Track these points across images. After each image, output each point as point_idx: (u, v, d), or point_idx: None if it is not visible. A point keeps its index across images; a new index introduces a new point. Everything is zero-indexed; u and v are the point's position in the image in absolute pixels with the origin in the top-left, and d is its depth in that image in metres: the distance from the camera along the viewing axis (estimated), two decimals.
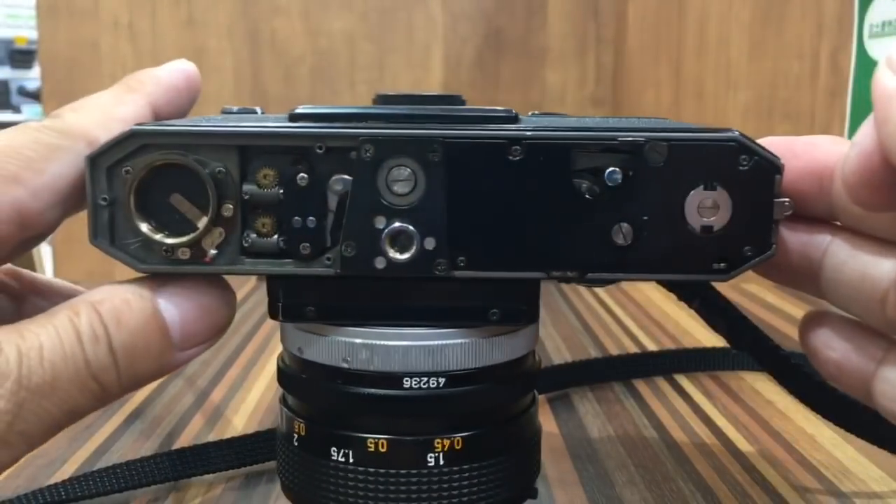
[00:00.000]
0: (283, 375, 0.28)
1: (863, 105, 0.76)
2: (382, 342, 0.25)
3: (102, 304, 0.23)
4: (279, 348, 0.29)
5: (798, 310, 0.71)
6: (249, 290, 0.79)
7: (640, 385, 0.54)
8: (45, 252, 1.33)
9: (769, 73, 0.81)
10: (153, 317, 0.23)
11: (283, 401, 0.29)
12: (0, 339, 0.21)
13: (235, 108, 0.32)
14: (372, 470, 0.25)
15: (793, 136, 0.19)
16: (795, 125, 0.80)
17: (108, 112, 0.25)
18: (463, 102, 0.29)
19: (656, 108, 1.01)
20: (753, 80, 0.83)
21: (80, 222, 0.24)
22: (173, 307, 0.24)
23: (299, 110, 0.25)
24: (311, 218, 0.25)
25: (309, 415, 0.27)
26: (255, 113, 0.32)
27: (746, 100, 0.84)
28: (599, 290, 0.78)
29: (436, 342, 0.25)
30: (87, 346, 0.21)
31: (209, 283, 0.25)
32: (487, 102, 1.17)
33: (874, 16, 0.74)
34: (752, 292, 0.78)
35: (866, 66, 0.74)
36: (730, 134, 0.24)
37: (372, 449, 0.25)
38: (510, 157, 0.24)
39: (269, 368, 0.57)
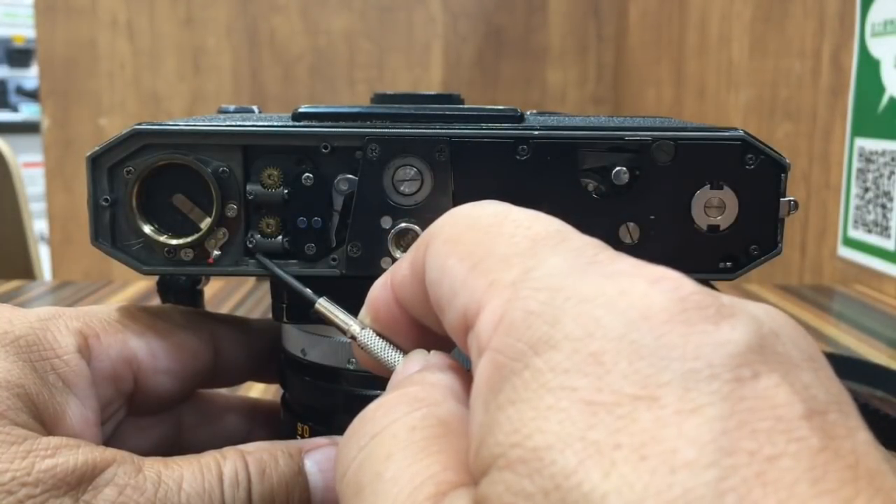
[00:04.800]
0: (286, 377, 0.28)
1: (865, 104, 0.76)
2: None
3: (250, 454, 0.23)
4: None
5: (799, 309, 0.71)
6: (249, 290, 0.78)
7: None
8: (43, 253, 1.33)
9: (770, 72, 0.81)
10: (297, 475, 0.24)
11: (285, 403, 0.28)
12: (145, 463, 0.22)
13: (232, 108, 0.32)
14: None
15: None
16: (797, 124, 0.80)
17: None
18: (461, 101, 0.29)
19: (657, 107, 1.00)
20: (755, 78, 0.83)
21: (77, 223, 0.24)
22: (319, 472, 0.24)
23: (302, 109, 0.25)
24: (316, 218, 0.25)
25: (312, 417, 0.27)
26: (253, 112, 0.31)
27: (748, 98, 0.84)
28: None
29: None
30: (226, 488, 0.22)
31: None
32: (487, 101, 1.17)
33: (876, 14, 0.74)
34: (753, 292, 0.78)
35: (868, 64, 0.74)
36: (736, 133, 0.24)
37: None
38: (517, 157, 0.24)
39: None
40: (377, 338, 0.20)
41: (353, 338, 0.20)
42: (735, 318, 0.14)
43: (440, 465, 0.15)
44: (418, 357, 0.19)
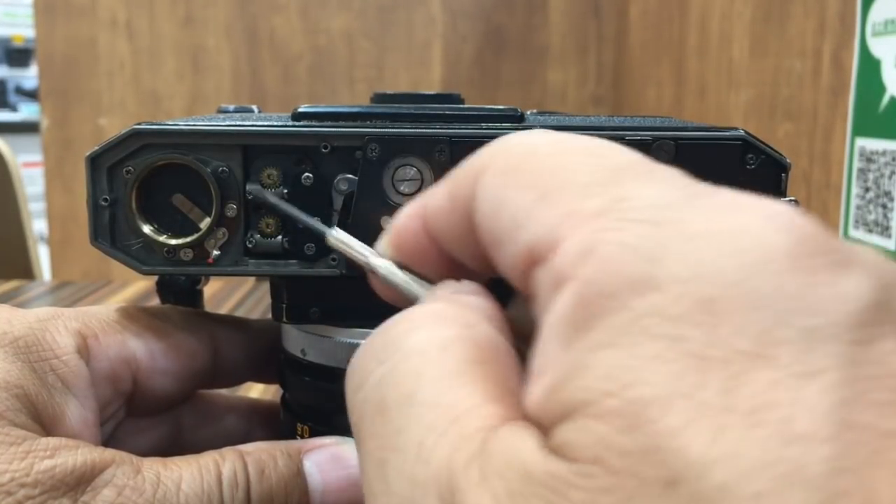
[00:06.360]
0: (286, 377, 0.28)
1: (865, 103, 0.76)
2: None
3: (250, 455, 0.23)
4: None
5: None
6: (249, 290, 0.78)
7: None
8: (42, 253, 1.33)
9: (771, 72, 0.81)
10: (297, 476, 0.24)
11: (284, 403, 0.28)
12: (144, 464, 0.22)
13: (232, 107, 0.32)
14: None
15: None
16: (797, 124, 0.80)
17: None
18: (461, 101, 0.29)
19: (657, 107, 1.00)
20: (755, 78, 0.83)
21: (77, 223, 0.23)
22: (318, 473, 0.24)
23: (302, 109, 0.25)
24: (315, 218, 0.24)
25: (312, 418, 0.27)
26: (252, 112, 0.31)
27: (748, 98, 0.84)
28: None
29: None
30: (225, 489, 0.22)
31: (357, 461, 0.25)
32: (488, 101, 1.17)
33: (876, 14, 0.74)
34: None
35: (869, 64, 0.74)
36: (736, 133, 0.24)
37: None
38: None
39: None
40: (398, 269, 0.19)
41: (372, 270, 0.19)
42: (855, 267, 0.12)
43: (482, 396, 0.14)
44: (449, 286, 0.17)
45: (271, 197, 0.24)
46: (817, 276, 0.12)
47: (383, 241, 0.19)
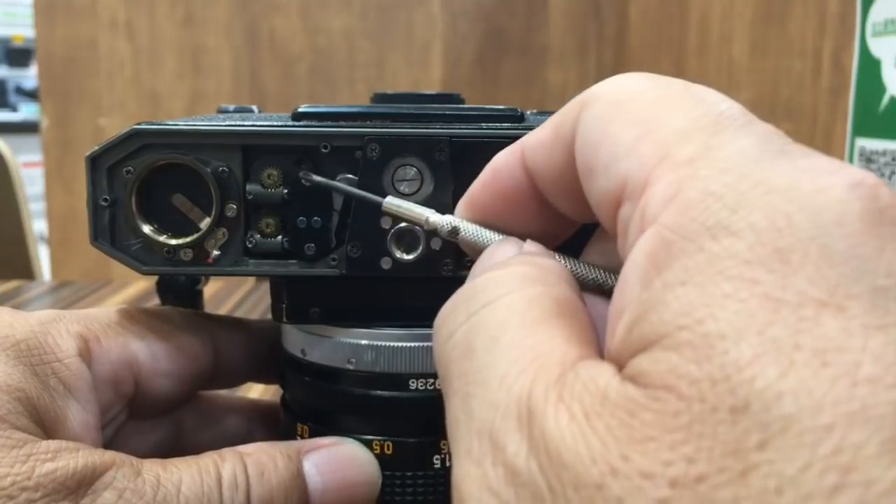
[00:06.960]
0: (286, 377, 0.28)
1: (865, 104, 0.76)
2: (388, 343, 0.25)
3: (249, 456, 0.23)
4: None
5: None
6: (249, 290, 0.78)
7: None
8: (42, 253, 1.33)
9: (771, 72, 0.81)
10: (296, 477, 0.24)
11: (284, 403, 0.28)
12: (144, 466, 0.22)
13: (232, 107, 0.32)
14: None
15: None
16: (797, 124, 0.80)
17: None
18: (462, 101, 0.29)
19: None
20: (755, 78, 0.83)
21: (76, 223, 0.24)
22: (318, 474, 0.24)
23: (302, 109, 0.25)
24: (315, 218, 0.24)
25: (312, 417, 0.27)
26: (252, 112, 0.31)
27: (748, 98, 0.84)
28: None
29: None
30: (225, 491, 0.22)
31: (357, 461, 0.25)
32: (488, 101, 1.17)
33: (877, 14, 0.74)
34: None
35: (869, 64, 0.74)
36: None
37: (377, 451, 0.25)
38: None
39: None
40: (461, 221, 0.20)
41: (432, 228, 0.20)
42: None
43: (562, 338, 0.15)
44: (514, 242, 0.19)
45: (317, 178, 0.24)
46: (889, 243, 0.13)
47: (469, 192, 0.20)
